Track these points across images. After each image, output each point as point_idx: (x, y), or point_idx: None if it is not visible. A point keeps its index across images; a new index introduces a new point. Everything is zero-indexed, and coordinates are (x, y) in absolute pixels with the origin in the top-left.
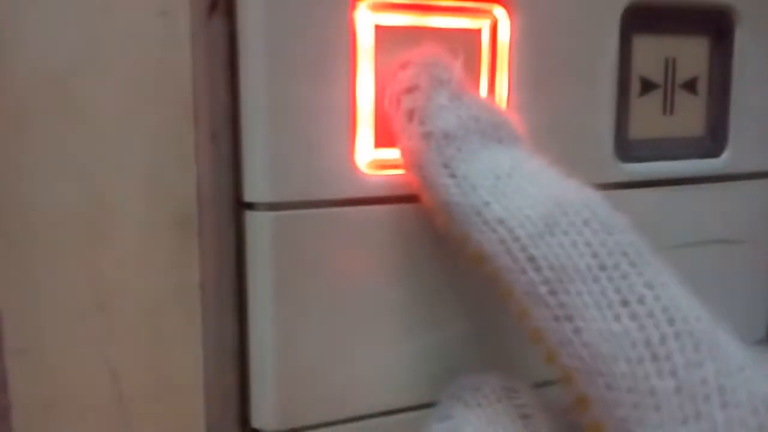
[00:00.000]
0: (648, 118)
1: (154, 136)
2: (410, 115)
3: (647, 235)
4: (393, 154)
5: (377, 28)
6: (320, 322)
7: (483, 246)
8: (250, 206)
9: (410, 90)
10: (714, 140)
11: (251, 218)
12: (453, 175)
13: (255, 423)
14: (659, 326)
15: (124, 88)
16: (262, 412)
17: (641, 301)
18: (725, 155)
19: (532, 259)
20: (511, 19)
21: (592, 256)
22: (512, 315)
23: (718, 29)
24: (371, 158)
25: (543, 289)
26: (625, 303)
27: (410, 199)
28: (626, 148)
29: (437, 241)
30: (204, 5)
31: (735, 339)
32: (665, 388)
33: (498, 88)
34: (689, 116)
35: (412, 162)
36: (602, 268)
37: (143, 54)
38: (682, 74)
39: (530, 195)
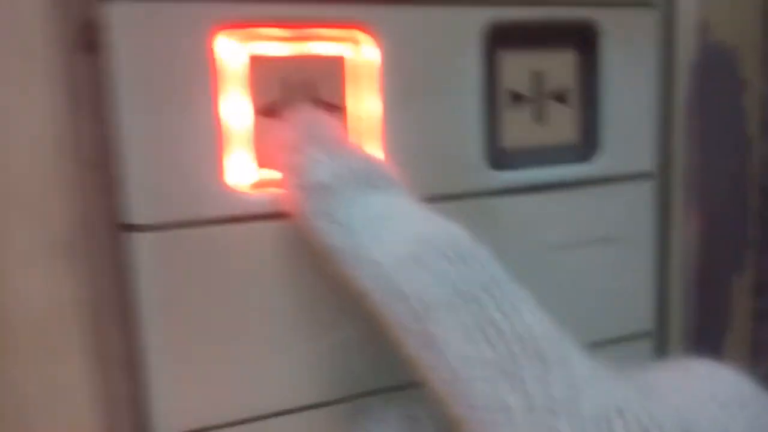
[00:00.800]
0: (520, 128)
1: (30, 168)
2: (290, 170)
3: (527, 238)
4: (276, 174)
5: (251, 58)
6: (209, 332)
7: (361, 283)
8: (132, 228)
9: (289, 148)
10: (586, 146)
11: (134, 239)
12: (332, 222)
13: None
14: (512, 349)
15: None
16: (161, 419)
17: (496, 326)
18: (597, 160)
19: (400, 293)
20: (377, 44)
21: (451, 288)
22: (392, 345)
23: (583, 42)
24: (255, 178)
25: (411, 320)
26: (482, 329)
27: (287, 215)
28: (500, 157)
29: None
30: (69, 44)
31: (585, 355)
32: (518, 405)
33: (368, 108)
34: (561, 125)
35: (295, 210)
36: (461, 298)
37: (11, 90)
38: (551, 86)
39: (399, 234)
